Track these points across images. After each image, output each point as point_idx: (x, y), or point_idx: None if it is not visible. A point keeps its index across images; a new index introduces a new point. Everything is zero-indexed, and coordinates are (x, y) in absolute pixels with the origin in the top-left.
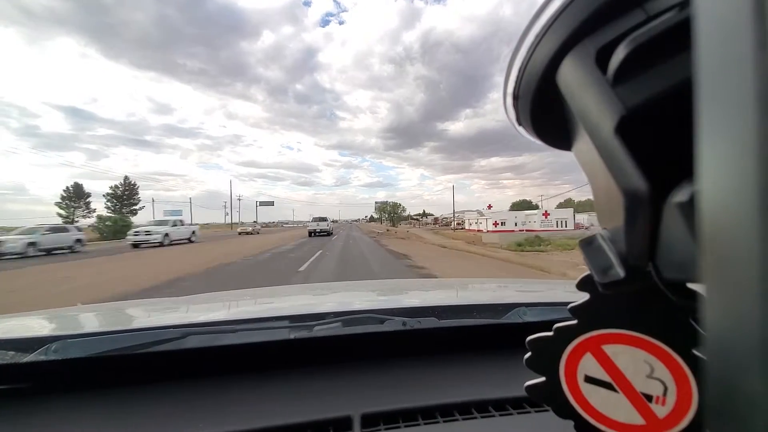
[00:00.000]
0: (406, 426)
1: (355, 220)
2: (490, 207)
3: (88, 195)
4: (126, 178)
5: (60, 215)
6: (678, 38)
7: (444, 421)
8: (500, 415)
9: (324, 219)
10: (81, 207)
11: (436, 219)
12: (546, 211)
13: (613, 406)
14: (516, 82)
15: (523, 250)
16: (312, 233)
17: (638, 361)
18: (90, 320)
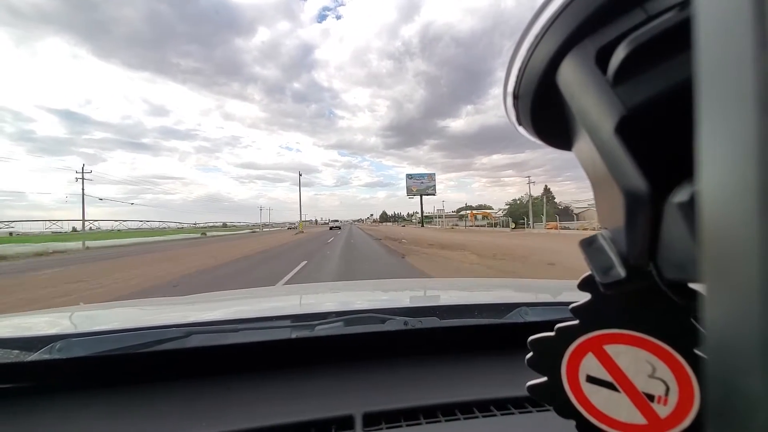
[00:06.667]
0: (407, 425)
1: (357, 221)
2: None
3: None
4: None
5: None
6: (678, 38)
7: (446, 420)
8: (502, 414)
9: (337, 221)
10: None
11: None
12: None
13: (615, 405)
14: (516, 82)
15: None
16: (331, 228)
17: (640, 361)
18: (93, 319)
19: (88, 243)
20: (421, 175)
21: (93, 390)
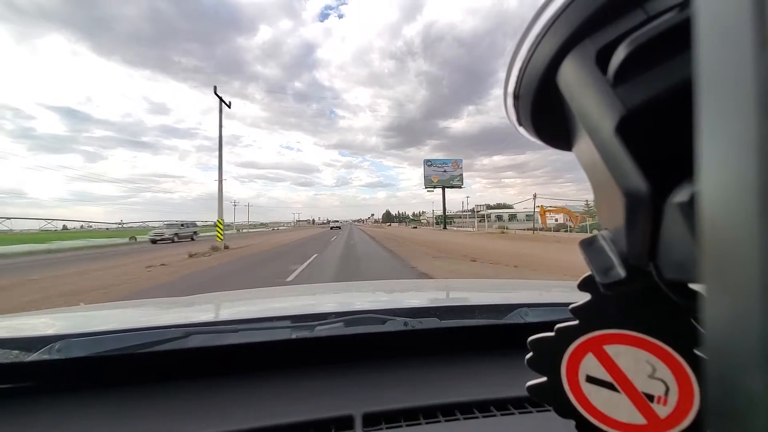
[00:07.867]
0: (407, 425)
1: (357, 221)
2: None
3: None
4: None
5: None
6: (678, 38)
7: (445, 421)
8: (502, 414)
9: (337, 221)
10: None
11: None
12: None
13: (615, 406)
14: (516, 82)
15: None
16: (331, 228)
17: (640, 361)
18: (93, 320)
19: None
20: (444, 162)
21: (93, 390)
